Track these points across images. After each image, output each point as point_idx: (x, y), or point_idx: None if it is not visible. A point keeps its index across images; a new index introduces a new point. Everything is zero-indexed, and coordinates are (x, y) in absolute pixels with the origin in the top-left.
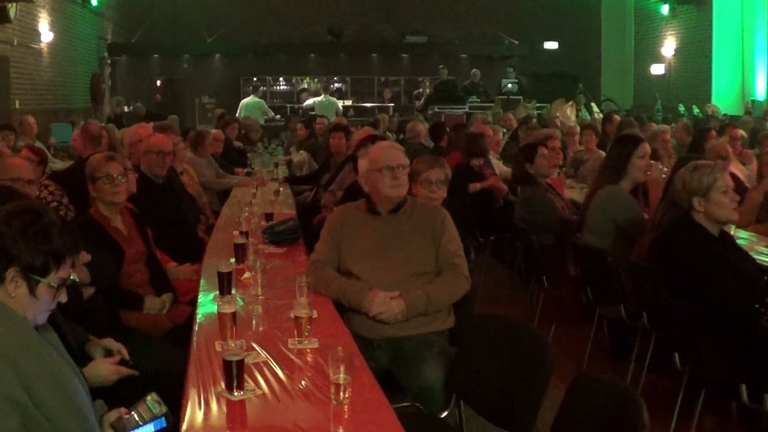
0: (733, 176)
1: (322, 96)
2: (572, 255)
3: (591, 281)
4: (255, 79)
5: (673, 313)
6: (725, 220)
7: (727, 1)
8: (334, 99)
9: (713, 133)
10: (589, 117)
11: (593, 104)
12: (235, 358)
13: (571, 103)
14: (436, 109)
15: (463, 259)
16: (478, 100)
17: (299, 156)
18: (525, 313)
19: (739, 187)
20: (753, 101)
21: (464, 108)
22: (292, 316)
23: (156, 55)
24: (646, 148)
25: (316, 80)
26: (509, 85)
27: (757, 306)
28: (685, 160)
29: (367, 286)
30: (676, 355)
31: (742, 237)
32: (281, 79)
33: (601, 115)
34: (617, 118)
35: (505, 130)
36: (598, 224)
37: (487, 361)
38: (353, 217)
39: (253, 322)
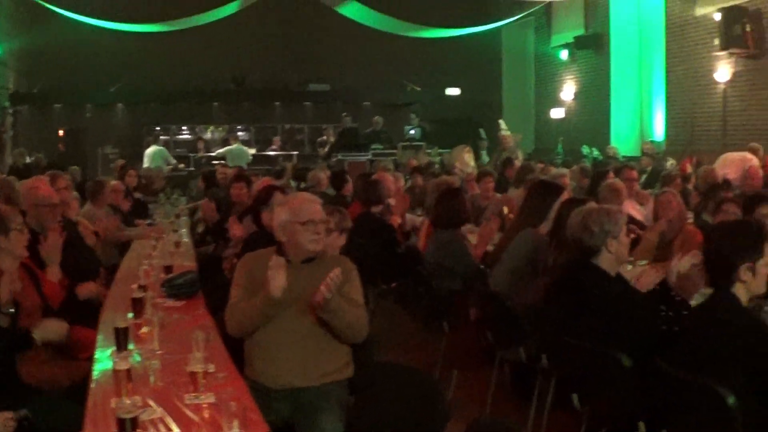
0: (631, 217)
1: (234, 144)
2: (475, 299)
3: (491, 325)
4: (158, 128)
5: (572, 354)
6: (625, 259)
7: (624, 45)
8: (245, 147)
9: (611, 174)
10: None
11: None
12: (129, 416)
13: (467, 149)
14: (340, 157)
15: (365, 312)
16: (381, 147)
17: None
18: (428, 358)
19: (637, 227)
20: (651, 142)
21: (368, 155)
22: (188, 371)
23: (58, 105)
24: (566, 196)
25: (220, 128)
26: (412, 132)
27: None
28: (572, 201)
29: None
30: (575, 395)
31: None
32: (184, 127)
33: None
34: (517, 163)
35: (407, 176)
36: (516, 265)
37: (385, 410)
38: (263, 264)
39: (151, 377)
